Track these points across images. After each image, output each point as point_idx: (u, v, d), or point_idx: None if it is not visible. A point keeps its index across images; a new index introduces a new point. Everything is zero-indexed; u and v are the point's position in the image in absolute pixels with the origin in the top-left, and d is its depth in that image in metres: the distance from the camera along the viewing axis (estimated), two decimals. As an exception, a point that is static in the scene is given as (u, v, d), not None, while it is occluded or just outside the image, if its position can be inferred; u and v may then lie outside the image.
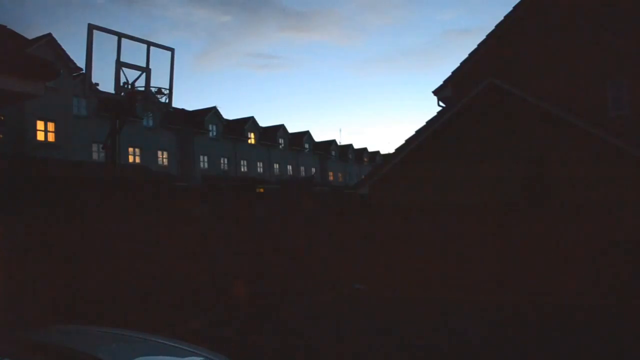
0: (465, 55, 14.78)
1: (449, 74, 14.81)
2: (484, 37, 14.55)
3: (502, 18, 14.29)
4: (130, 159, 33.01)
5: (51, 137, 27.09)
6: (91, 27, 12.43)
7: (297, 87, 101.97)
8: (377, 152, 63.35)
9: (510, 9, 14.16)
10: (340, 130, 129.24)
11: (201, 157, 38.93)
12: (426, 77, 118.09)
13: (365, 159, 61.30)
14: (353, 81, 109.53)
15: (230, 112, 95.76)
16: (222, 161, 40.79)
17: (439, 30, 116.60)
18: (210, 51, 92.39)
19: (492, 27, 14.46)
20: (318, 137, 62.33)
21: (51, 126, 27.06)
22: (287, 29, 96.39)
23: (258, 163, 44.73)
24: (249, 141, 44.07)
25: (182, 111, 38.55)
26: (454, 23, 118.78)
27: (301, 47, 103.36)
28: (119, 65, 12.93)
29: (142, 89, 13.65)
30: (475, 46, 14.60)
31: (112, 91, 13.19)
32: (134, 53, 13.81)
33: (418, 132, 12.75)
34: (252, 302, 8.64)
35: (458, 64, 14.59)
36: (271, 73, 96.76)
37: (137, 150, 33.62)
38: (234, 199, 10.19)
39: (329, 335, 7.25)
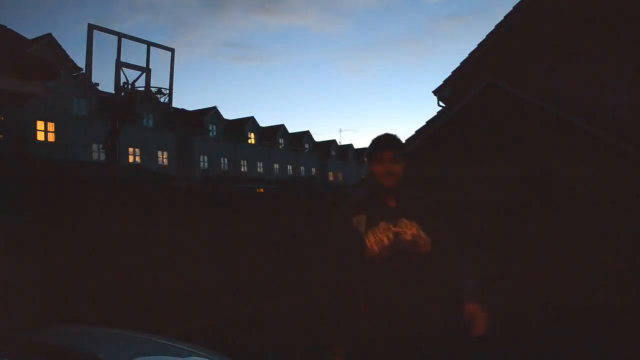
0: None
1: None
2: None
3: (502, 18, 14.30)
4: (130, 159, 32.99)
5: (51, 137, 27.11)
6: (91, 27, 12.44)
7: (280, 82, 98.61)
8: (377, 152, 63.28)
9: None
10: (340, 131, 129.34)
11: (201, 157, 38.94)
12: (418, 69, 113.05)
13: (365, 159, 61.25)
14: (348, 79, 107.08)
15: (229, 112, 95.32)
16: (222, 161, 40.80)
17: (424, 16, 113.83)
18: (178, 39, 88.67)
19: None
20: (318, 137, 62.40)
21: (51, 126, 27.09)
22: (260, 12, 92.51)
23: (258, 163, 44.74)
24: (249, 141, 44.08)
25: (182, 111, 38.54)
26: (442, 8, 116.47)
27: (277, 34, 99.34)
28: (119, 65, 12.95)
29: (142, 89, 13.67)
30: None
31: (112, 91, 13.20)
32: (134, 53, 13.81)
33: (418, 132, 12.75)
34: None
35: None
36: (249, 65, 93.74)
37: (137, 150, 33.62)
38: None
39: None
